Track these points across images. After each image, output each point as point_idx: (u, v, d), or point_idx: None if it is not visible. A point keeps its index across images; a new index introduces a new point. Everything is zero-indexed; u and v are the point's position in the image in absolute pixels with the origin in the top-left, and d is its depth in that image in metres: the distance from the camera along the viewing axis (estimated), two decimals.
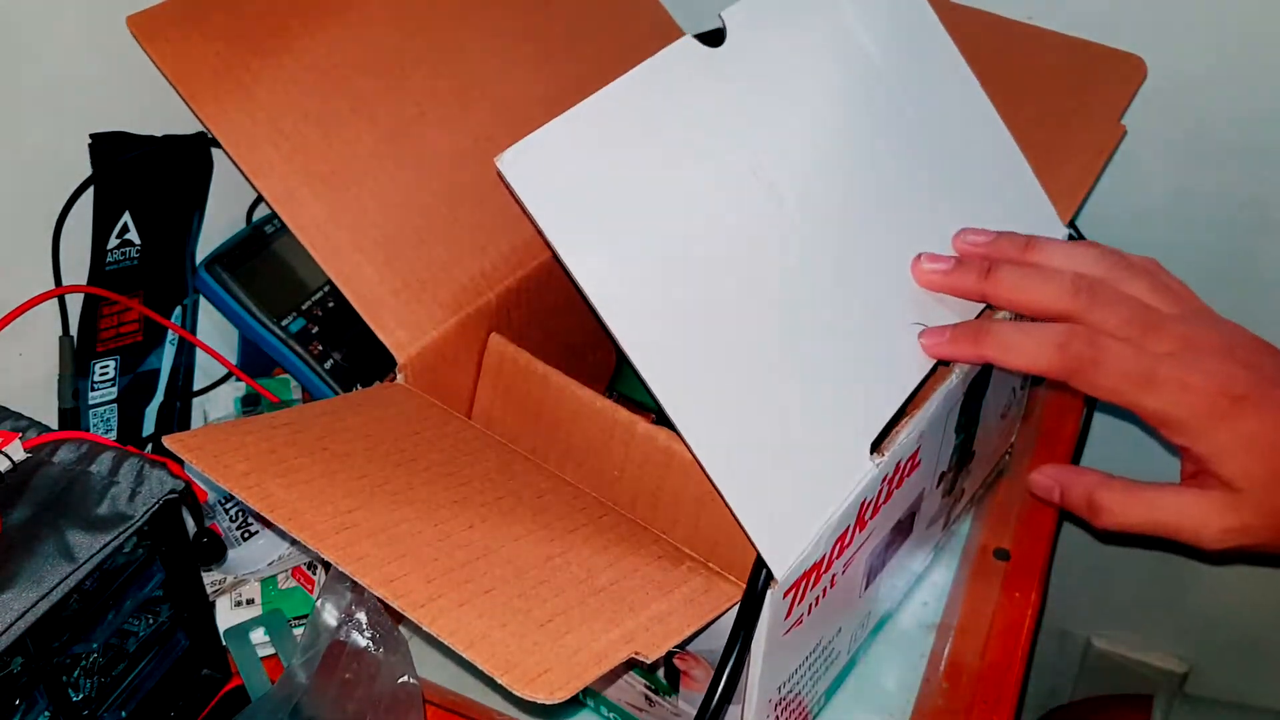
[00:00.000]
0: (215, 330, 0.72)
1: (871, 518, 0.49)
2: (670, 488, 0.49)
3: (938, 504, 0.59)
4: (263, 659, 0.60)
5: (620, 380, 0.62)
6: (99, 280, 0.63)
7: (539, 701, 0.35)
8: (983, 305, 0.52)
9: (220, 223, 0.70)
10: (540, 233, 0.38)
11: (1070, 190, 0.59)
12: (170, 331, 0.68)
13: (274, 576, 0.64)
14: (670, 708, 0.53)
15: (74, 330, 0.64)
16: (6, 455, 0.48)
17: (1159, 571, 1.04)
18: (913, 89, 0.49)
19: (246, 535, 0.63)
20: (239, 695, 0.60)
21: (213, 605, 0.61)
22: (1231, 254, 0.82)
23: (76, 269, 0.63)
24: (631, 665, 0.53)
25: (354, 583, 0.54)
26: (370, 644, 0.54)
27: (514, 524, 0.45)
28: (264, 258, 0.67)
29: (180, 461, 0.61)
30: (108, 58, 0.59)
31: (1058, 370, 0.47)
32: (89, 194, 0.62)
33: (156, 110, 0.61)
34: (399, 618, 0.60)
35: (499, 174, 0.34)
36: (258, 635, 0.61)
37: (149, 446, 0.68)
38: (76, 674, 0.53)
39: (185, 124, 0.62)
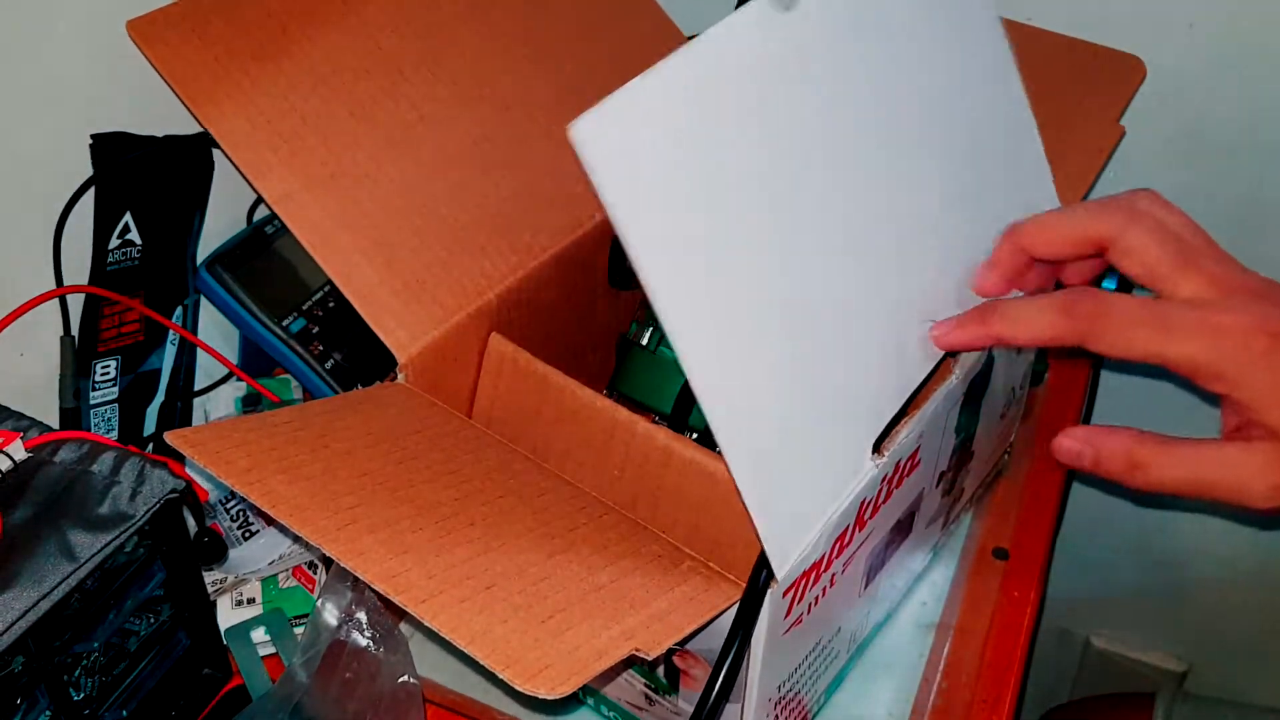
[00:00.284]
0: (216, 330, 0.72)
1: (871, 517, 0.49)
2: (670, 487, 0.49)
3: (937, 503, 0.59)
4: (263, 658, 0.60)
5: (620, 380, 0.63)
6: (100, 280, 0.63)
7: (540, 696, 0.35)
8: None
9: (221, 223, 0.70)
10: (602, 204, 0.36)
11: (1069, 190, 0.59)
12: (171, 331, 0.68)
13: (275, 576, 0.64)
14: (670, 707, 0.54)
15: (75, 330, 0.64)
16: (8, 455, 0.48)
17: (1158, 571, 1.04)
18: (956, 68, 0.48)
19: (247, 535, 0.63)
20: (240, 694, 0.60)
21: (213, 604, 0.61)
22: (1231, 254, 0.82)
23: (78, 269, 0.63)
24: (631, 663, 0.53)
25: (354, 582, 0.54)
26: (371, 643, 0.54)
27: (514, 522, 0.45)
28: (265, 258, 0.67)
29: (182, 459, 0.61)
30: (108, 58, 0.59)
31: (1068, 333, 0.43)
32: (90, 194, 0.62)
33: (157, 111, 0.61)
34: (399, 617, 0.60)
35: (571, 142, 0.32)
36: (258, 634, 0.61)
37: (150, 446, 0.68)
38: (78, 673, 0.53)
39: (186, 124, 0.62)
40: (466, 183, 0.58)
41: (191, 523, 0.58)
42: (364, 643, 0.54)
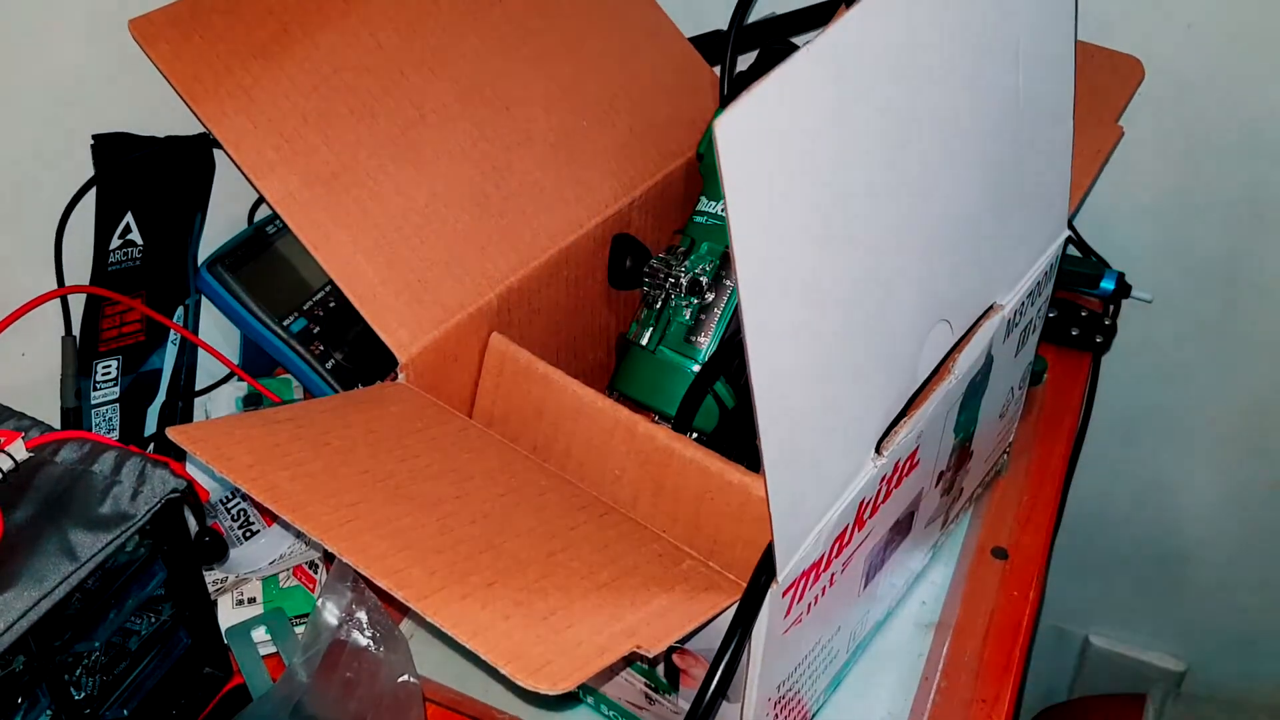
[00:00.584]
0: (217, 330, 0.72)
1: (870, 517, 0.49)
2: (670, 487, 0.49)
3: (936, 503, 0.59)
4: (264, 657, 0.61)
5: (620, 380, 0.63)
6: (101, 280, 0.64)
7: (542, 692, 0.35)
8: (989, 304, 0.52)
9: (222, 223, 0.70)
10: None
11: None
12: (172, 331, 0.68)
13: (275, 575, 0.64)
14: (670, 706, 0.54)
15: (76, 330, 0.64)
16: (9, 455, 0.48)
17: (1156, 570, 1.04)
18: (1023, 89, 0.48)
19: (248, 534, 0.63)
20: (240, 694, 0.60)
21: (214, 604, 0.62)
22: (1230, 254, 0.82)
23: (79, 269, 0.63)
24: (631, 661, 0.53)
25: (355, 582, 0.54)
26: (371, 643, 0.54)
27: (516, 520, 0.45)
28: (265, 258, 0.68)
29: (183, 459, 0.61)
30: (110, 59, 0.59)
31: None
32: (91, 194, 0.62)
33: (159, 111, 0.61)
34: (399, 617, 0.60)
35: (713, 137, 0.33)
36: (259, 634, 0.61)
37: (151, 446, 0.68)
38: (79, 672, 0.53)
39: (187, 125, 0.62)
40: (467, 182, 0.58)
41: (192, 522, 0.58)
42: (364, 642, 0.54)
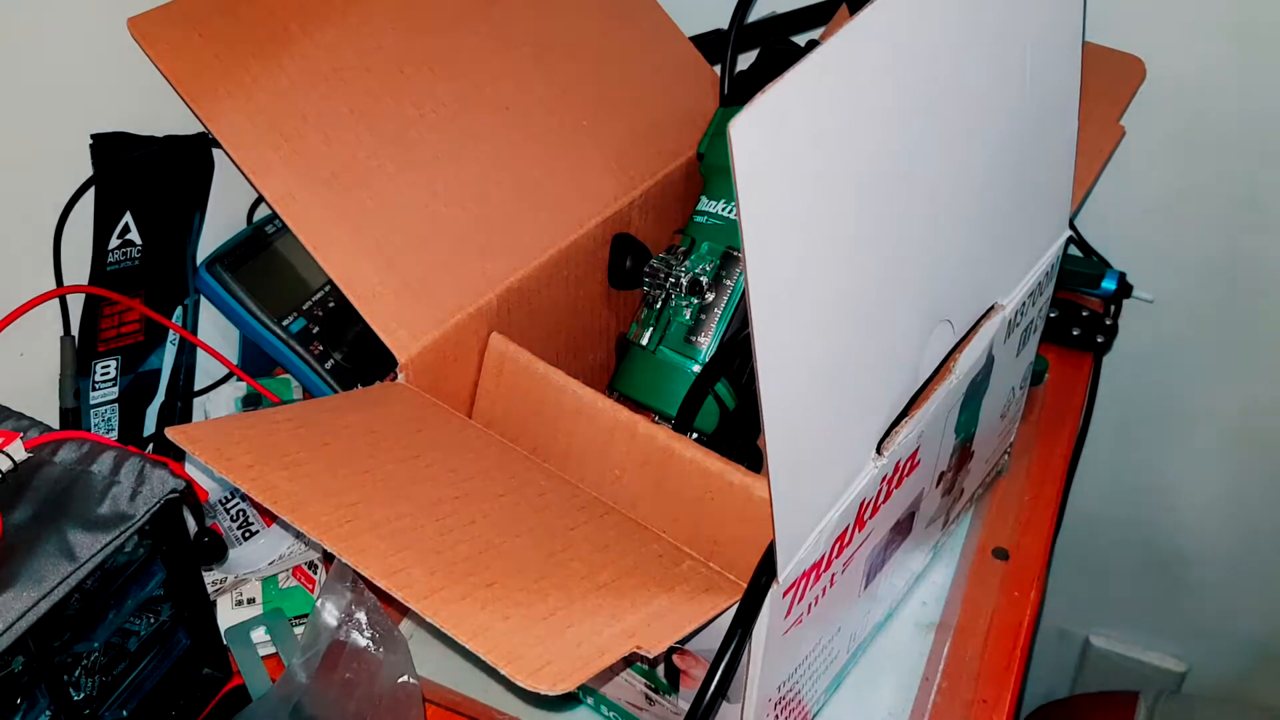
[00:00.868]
0: (216, 330, 0.72)
1: (871, 517, 0.49)
2: (670, 487, 0.49)
3: (937, 503, 0.59)
4: (263, 658, 0.60)
5: (620, 380, 0.63)
6: (100, 280, 0.63)
7: (542, 693, 0.35)
8: (989, 304, 0.52)
9: (221, 223, 0.70)
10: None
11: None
12: (171, 331, 0.68)
13: (275, 576, 0.64)
14: (670, 707, 0.54)
15: (75, 330, 0.64)
16: (8, 455, 0.48)
17: (1157, 571, 1.04)
18: (1029, 90, 0.48)
19: (247, 535, 0.63)
20: (240, 694, 0.60)
21: (214, 604, 0.61)
22: (1231, 254, 0.82)
23: (78, 269, 0.63)
24: (631, 662, 0.53)
25: (354, 582, 0.54)
26: (370, 643, 0.54)
27: (515, 521, 0.45)
28: (265, 258, 0.67)
29: (182, 459, 0.61)
30: (109, 58, 0.59)
31: None
32: (90, 194, 0.62)
33: (157, 111, 0.61)
34: (399, 617, 0.60)
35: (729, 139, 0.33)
36: (258, 634, 0.61)
37: (150, 446, 0.68)
38: (78, 673, 0.53)
39: (186, 124, 0.62)
40: (467, 182, 0.58)
41: (191, 523, 0.58)
42: (364, 643, 0.54)
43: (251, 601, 0.63)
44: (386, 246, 0.54)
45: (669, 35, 0.71)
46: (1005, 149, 0.47)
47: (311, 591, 0.63)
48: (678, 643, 0.41)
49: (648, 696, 0.54)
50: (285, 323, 0.66)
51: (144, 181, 0.64)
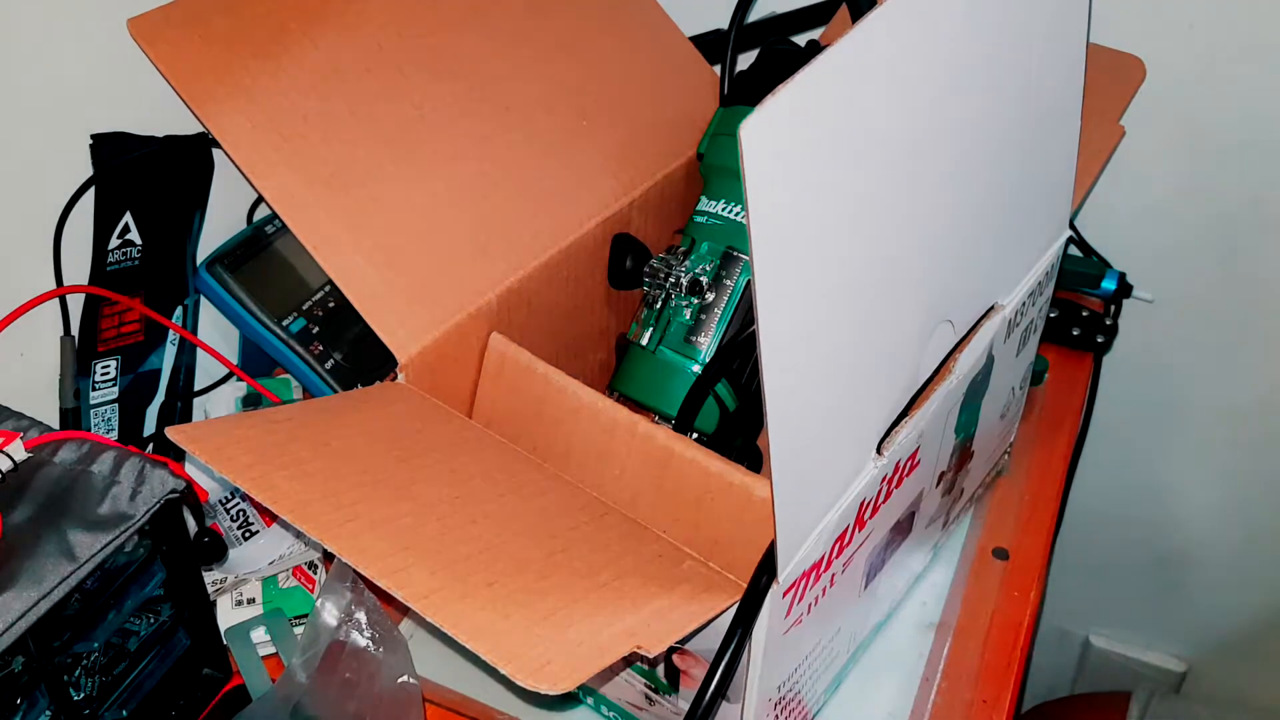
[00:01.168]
0: (216, 330, 0.72)
1: (871, 517, 0.49)
2: (670, 487, 0.49)
3: (937, 503, 0.59)
4: (263, 658, 0.60)
5: (620, 380, 0.63)
6: (100, 280, 0.63)
7: (542, 692, 0.35)
8: (990, 304, 0.52)
9: (221, 223, 0.70)
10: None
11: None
12: (171, 331, 0.68)
13: (275, 576, 0.64)
14: (670, 707, 0.54)
15: (75, 330, 0.64)
16: (8, 455, 0.48)
17: (1157, 571, 1.04)
18: (1035, 91, 0.48)
19: (247, 535, 0.63)
20: (240, 694, 0.60)
21: (213, 604, 0.61)
22: (1231, 254, 0.82)
23: (78, 269, 0.63)
24: (631, 662, 0.53)
25: (354, 582, 0.54)
26: (370, 644, 0.54)
27: (515, 521, 0.45)
28: (265, 258, 0.67)
29: (182, 459, 0.61)
30: (109, 58, 0.59)
31: None
32: (90, 194, 0.62)
33: (158, 111, 0.61)
34: (399, 617, 0.60)
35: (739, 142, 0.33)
36: (258, 634, 0.61)
37: (150, 446, 0.68)
38: (78, 673, 0.53)
39: (186, 124, 0.62)
40: (467, 183, 0.58)
41: (191, 523, 0.58)
42: (363, 643, 0.54)
43: (251, 601, 0.63)
44: (386, 246, 0.54)
45: (669, 35, 0.71)
46: (1007, 149, 0.47)
47: (311, 591, 0.63)
48: (678, 643, 0.41)
49: (648, 696, 0.54)
50: (285, 323, 0.66)
51: (144, 181, 0.64)
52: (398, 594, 0.38)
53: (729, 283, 0.60)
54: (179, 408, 0.70)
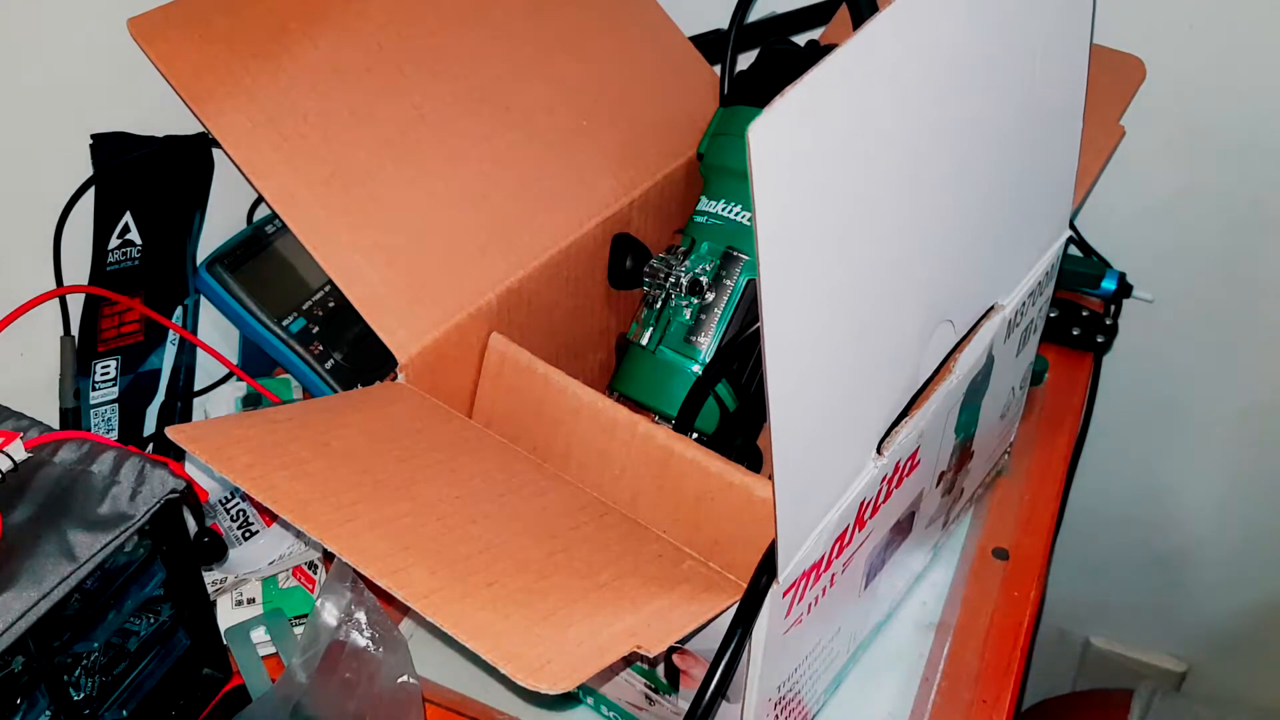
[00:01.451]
0: (216, 330, 0.72)
1: (871, 517, 0.49)
2: (670, 487, 0.49)
3: (937, 503, 0.59)
4: (263, 658, 0.60)
5: (620, 380, 0.63)
6: (100, 280, 0.63)
7: (542, 692, 0.35)
8: (990, 304, 0.52)
9: (221, 223, 0.70)
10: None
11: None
12: (171, 331, 0.68)
13: (275, 576, 0.64)
14: (670, 707, 0.54)
15: (75, 330, 0.64)
16: (8, 455, 0.48)
17: (1157, 571, 1.04)
18: (1037, 91, 0.48)
19: (247, 535, 0.63)
20: (240, 694, 0.60)
21: (213, 604, 0.61)
22: (1231, 254, 0.82)
23: (78, 269, 0.63)
24: (631, 662, 0.53)
25: (354, 582, 0.54)
26: (370, 644, 0.54)
27: (515, 521, 0.45)
28: (265, 258, 0.67)
29: (182, 459, 0.61)
30: (109, 58, 0.59)
31: None
32: (90, 194, 0.62)
33: (158, 111, 0.61)
34: (399, 617, 0.60)
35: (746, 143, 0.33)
36: (258, 634, 0.61)
37: (150, 446, 0.68)
38: (78, 673, 0.53)
39: (186, 124, 0.62)
40: (467, 183, 0.58)
41: (191, 523, 0.58)
42: (363, 643, 0.54)
43: (251, 601, 0.63)
44: (386, 246, 0.54)
45: (669, 35, 0.71)
46: (1009, 150, 0.47)
47: (311, 591, 0.63)
48: (678, 643, 0.41)
49: (648, 696, 0.54)
50: (285, 323, 0.66)
51: (144, 181, 0.64)
52: (398, 594, 0.38)
53: (729, 283, 0.60)
54: (179, 408, 0.70)
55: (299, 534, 0.63)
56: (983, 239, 0.48)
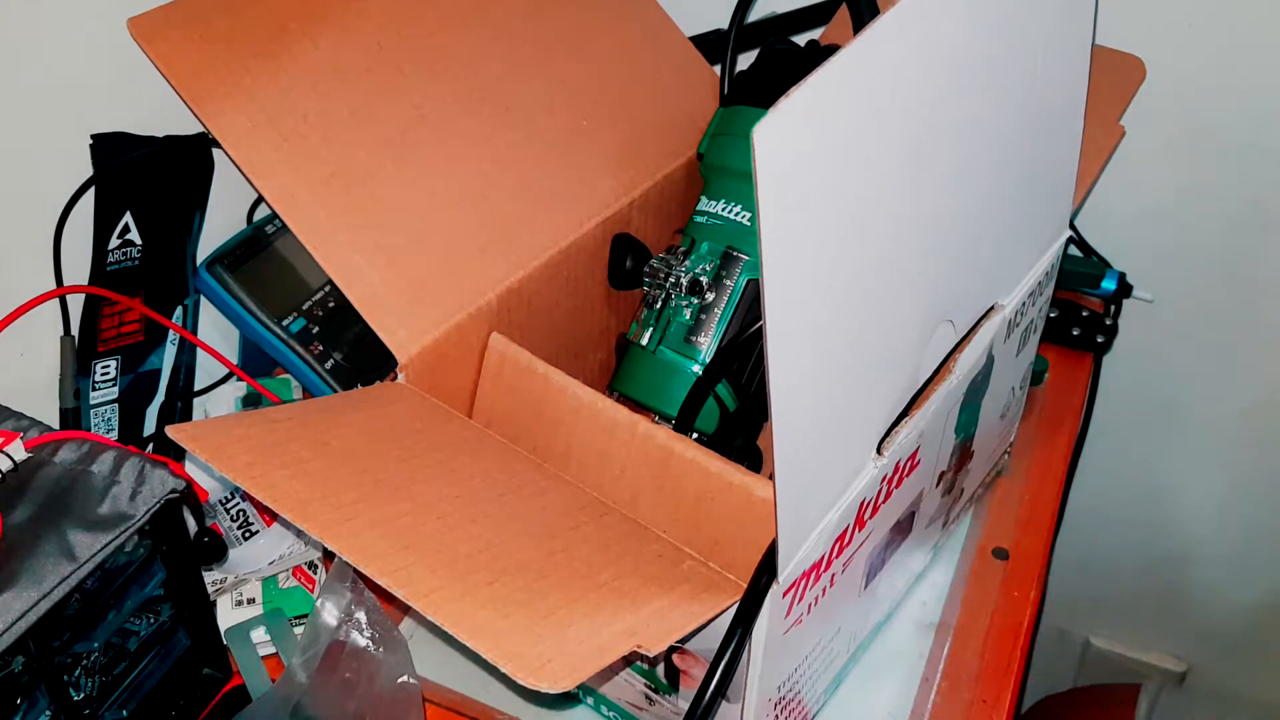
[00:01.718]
0: (216, 330, 0.72)
1: (871, 517, 0.49)
2: (670, 487, 0.49)
3: (937, 503, 0.59)
4: (263, 658, 0.60)
5: (620, 380, 0.63)
6: (100, 280, 0.63)
7: (542, 691, 0.35)
8: (990, 304, 0.52)
9: (221, 223, 0.70)
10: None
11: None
12: (171, 331, 0.68)
13: (275, 576, 0.64)
14: (670, 707, 0.54)
15: (75, 330, 0.64)
16: (8, 455, 0.48)
17: (1156, 571, 1.04)
18: (1037, 94, 0.48)
19: (247, 535, 0.63)
20: (239, 694, 0.60)
21: (213, 604, 0.61)
22: (1231, 254, 0.82)
23: (78, 269, 0.63)
24: (631, 661, 0.53)
25: (354, 582, 0.54)
26: (370, 643, 0.54)
27: (515, 520, 0.45)
28: (265, 258, 0.67)
29: (182, 459, 0.61)
30: (109, 58, 0.59)
31: None
32: (90, 194, 0.62)
33: (158, 111, 0.61)
34: (399, 617, 0.60)
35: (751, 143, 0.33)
36: (258, 634, 0.61)
37: (150, 446, 0.68)
38: (78, 673, 0.53)
39: (186, 124, 0.62)
40: (467, 183, 0.58)
41: (191, 523, 0.58)
42: (363, 643, 0.54)
43: (251, 601, 0.63)
44: (386, 246, 0.54)
45: (669, 35, 0.71)
46: (1009, 150, 0.47)
47: (311, 591, 0.63)
48: (678, 642, 0.41)
49: (648, 696, 0.54)
50: (285, 323, 0.66)
51: (144, 181, 0.64)
52: (398, 593, 0.38)
53: (729, 283, 0.60)
54: (179, 408, 0.70)
55: (299, 533, 0.63)
56: (983, 239, 0.48)
